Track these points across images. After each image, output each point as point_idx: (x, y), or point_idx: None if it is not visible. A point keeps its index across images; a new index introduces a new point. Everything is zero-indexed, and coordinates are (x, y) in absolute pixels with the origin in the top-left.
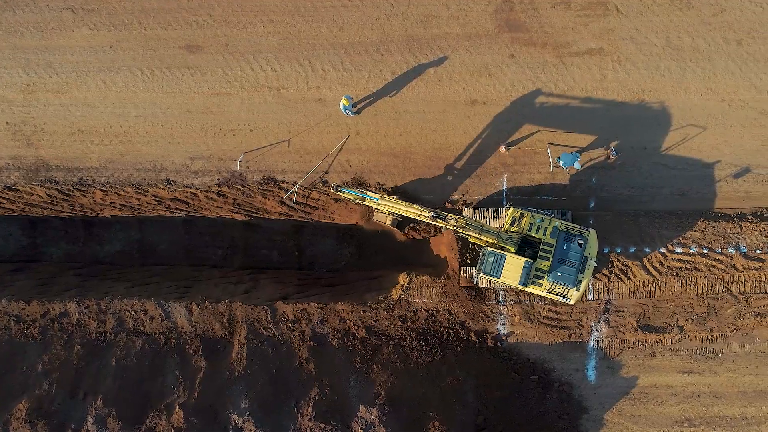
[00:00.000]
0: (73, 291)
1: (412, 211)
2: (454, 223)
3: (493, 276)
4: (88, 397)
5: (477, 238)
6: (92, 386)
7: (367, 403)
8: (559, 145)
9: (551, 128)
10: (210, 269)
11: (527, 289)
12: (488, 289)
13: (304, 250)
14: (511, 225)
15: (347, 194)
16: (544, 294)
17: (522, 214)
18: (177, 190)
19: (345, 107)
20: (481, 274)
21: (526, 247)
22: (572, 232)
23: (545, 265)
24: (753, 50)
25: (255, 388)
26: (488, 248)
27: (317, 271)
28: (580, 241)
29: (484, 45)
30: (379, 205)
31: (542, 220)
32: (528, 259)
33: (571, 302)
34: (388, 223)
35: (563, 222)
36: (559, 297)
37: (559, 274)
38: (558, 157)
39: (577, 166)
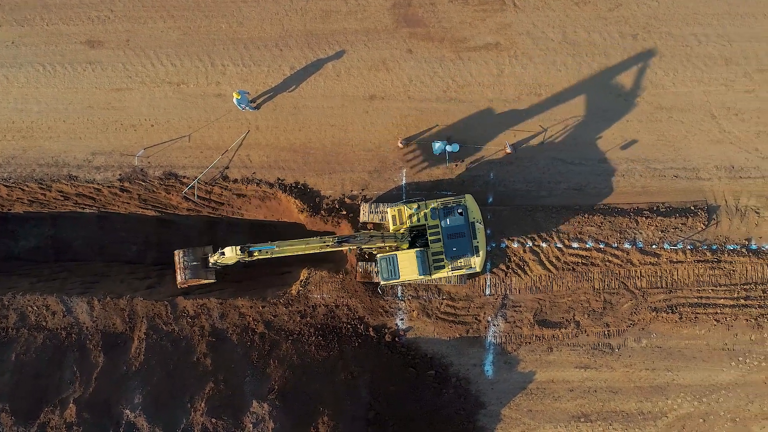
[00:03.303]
0: None
1: (314, 246)
2: (360, 241)
3: (394, 279)
4: None
5: (382, 247)
6: None
7: (261, 398)
8: (457, 141)
9: (449, 123)
10: (121, 265)
11: (436, 276)
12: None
13: (218, 246)
14: (394, 224)
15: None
16: (451, 274)
17: (399, 210)
18: (80, 186)
19: (238, 101)
20: (383, 283)
21: (420, 238)
22: (449, 205)
23: (439, 246)
24: (649, 45)
25: (150, 383)
26: (378, 255)
27: (231, 268)
28: (459, 211)
29: (382, 40)
30: (274, 253)
31: (418, 207)
32: (418, 249)
33: (478, 269)
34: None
35: (437, 200)
36: (465, 270)
37: (454, 248)
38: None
39: (437, 150)
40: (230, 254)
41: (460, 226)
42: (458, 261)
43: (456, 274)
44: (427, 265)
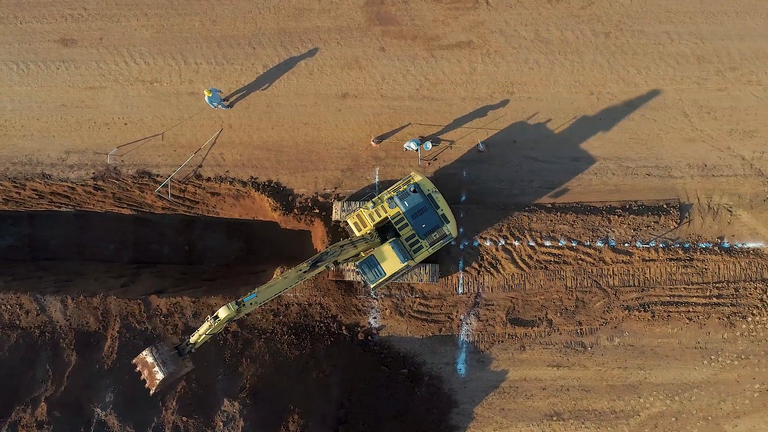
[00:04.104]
0: None
1: (292, 278)
2: (333, 255)
3: (381, 278)
4: None
5: (357, 253)
6: None
7: (232, 396)
8: (429, 138)
9: (421, 122)
10: (96, 264)
11: (419, 259)
12: (358, 282)
13: (195, 244)
14: (358, 229)
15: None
16: (432, 250)
17: (358, 215)
18: (54, 184)
19: (210, 99)
20: (373, 287)
21: (389, 231)
22: (401, 189)
23: (409, 230)
24: (621, 43)
25: (122, 381)
26: (356, 264)
27: (207, 266)
28: (413, 189)
29: (355, 38)
30: (258, 301)
31: (374, 204)
32: (391, 240)
33: (454, 235)
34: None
35: (388, 190)
36: (443, 241)
37: (423, 225)
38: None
39: (410, 148)
40: (225, 313)
41: (419, 203)
42: (433, 235)
43: (437, 248)
44: (406, 251)
